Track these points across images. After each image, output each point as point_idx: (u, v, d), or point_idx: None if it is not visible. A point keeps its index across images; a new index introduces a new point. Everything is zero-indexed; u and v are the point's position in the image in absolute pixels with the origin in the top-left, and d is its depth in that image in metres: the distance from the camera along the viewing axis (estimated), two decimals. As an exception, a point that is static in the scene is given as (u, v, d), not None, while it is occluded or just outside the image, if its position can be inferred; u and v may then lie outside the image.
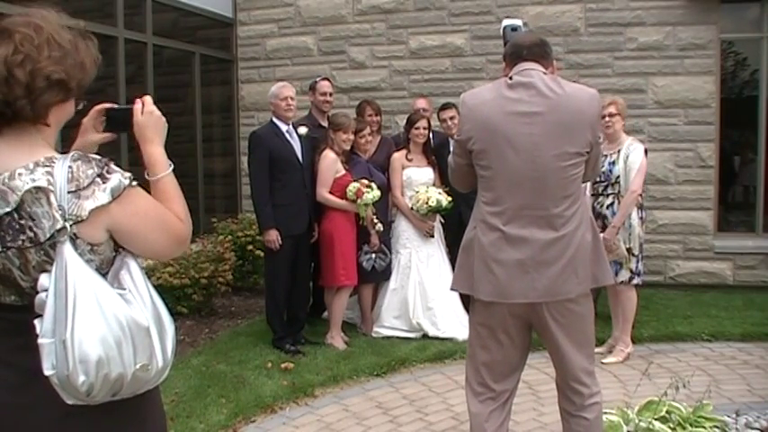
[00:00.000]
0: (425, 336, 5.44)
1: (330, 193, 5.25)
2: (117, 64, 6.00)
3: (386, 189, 5.53)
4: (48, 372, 1.36)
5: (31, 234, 1.41)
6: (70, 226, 1.41)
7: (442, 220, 5.75)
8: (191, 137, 7.24)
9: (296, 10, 7.71)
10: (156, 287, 1.54)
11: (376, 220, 5.31)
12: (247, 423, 3.92)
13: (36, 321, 1.39)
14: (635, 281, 4.94)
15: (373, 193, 5.19)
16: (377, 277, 5.56)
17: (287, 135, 5.19)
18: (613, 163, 4.88)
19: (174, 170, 1.63)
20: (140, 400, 1.51)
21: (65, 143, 1.67)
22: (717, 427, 3.43)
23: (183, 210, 1.60)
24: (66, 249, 1.40)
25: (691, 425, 3.40)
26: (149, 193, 1.59)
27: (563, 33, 6.96)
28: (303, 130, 5.30)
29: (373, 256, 5.43)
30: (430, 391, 4.43)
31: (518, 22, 2.95)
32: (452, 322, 5.45)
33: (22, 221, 1.42)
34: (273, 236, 5.04)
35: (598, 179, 4.84)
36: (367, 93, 7.25)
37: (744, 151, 7.46)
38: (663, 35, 6.87)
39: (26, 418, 1.46)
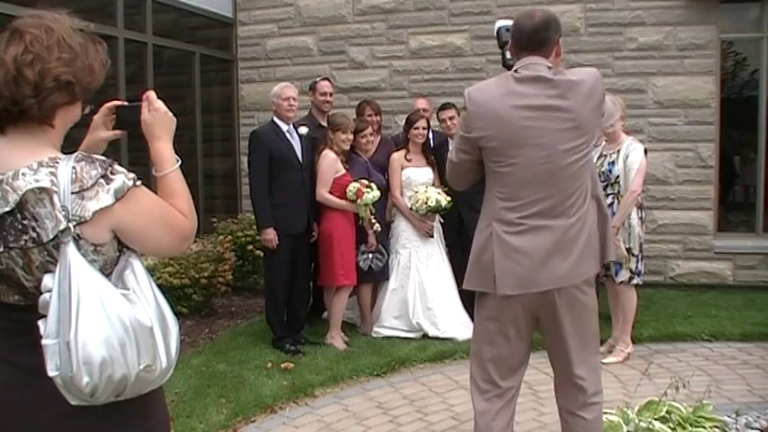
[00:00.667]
0: (425, 336, 5.44)
1: (330, 192, 5.25)
2: (117, 64, 5.99)
3: (385, 189, 5.53)
4: (51, 373, 1.37)
5: (34, 234, 1.42)
6: (74, 227, 1.42)
7: (442, 221, 5.75)
8: (191, 137, 7.24)
9: (296, 10, 7.71)
10: (157, 287, 1.54)
11: (374, 221, 5.31)
12: (247, 423, 3.92)
13: (40, 322, 1.39)
14: (635, 281, 4.94)
15: (373, 194, 5.19)
16: (375, 277, 5.56)
17: (287, 135, 5.19)
18: (613, 163, 4.88)
19: (180, 166, 1.64)
20: (144, 399, 1.51)
21: (71, 145, 1.67)
22: (717, 427, 3.43)
23: (187, 206, 1.61)
24: (70, 250, 1.40)
25: (691, 425, 3.40)
26: (155, 189, 1.60)
27: (563, 33, 6.92)
28: (304, 130, 5.31)
29: (370, 256, 5.43)
30: (430, 391, 4.43)
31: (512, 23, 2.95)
32: (452, 322, 5.46)
33: (25, 222, 1.42)
34: (271, 235, 5.05)
35: (598, 179, 4.83)
36: (367, 93, 7.26)
37: (744, 151, 7.46)
38: (663, 35, 6.88)
39: (30, 417, 1.47)
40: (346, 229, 5.32)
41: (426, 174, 5.73)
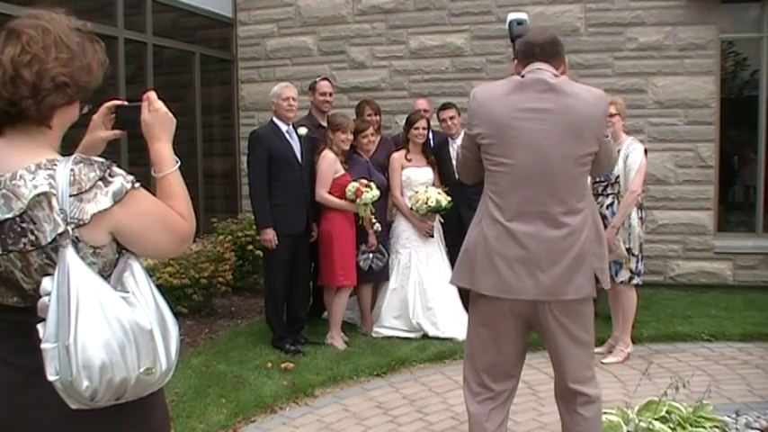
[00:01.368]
0: (425, 336, 5.44)
1: (329, 193, 5.25)
2: (117, 64, 5.99)
3: (385, 189, 5.53)
4: (51, 377, 1.36)
5: (33, 237, 1.41)
6: (72, 229, 1.41)
7: (442, 220, 5.75)
8: (191, 137, 7.24)
9: (296, 10, 7.71)
10: (157, 287, 1.54)
11: (374, 220, 5.31)
12: (247, 423, 3.92)
13: (39, 326, 1.38)
14: (635, 281, 4.94)
15: (372, 193, 5.19)
16: (375, 277, 5.56)
17: (287, 135, 5.19)
18: (613, 163, 4.89)
19: (179, 167, 1.63)
20: (144, 400, 1.50)
21: (69, 146, 1.67)
22: (717, 427, 3.43)
23: (186, 207, 1.60)
24: (69, 253, 1.40)
25: (691, 425, 3.40)
26: (154, 190, 1.59)
27: (563, 33, 6.94)
28: (303, 130, 5.31)
29: (370, 255, 5.43)
30: (430, 391, 4.43)
31: (523, 16, 2.99)
32: (452, 322, 5.45)
33: (24, 224, 1.41)
34: (270, 235, 5.05)
35: (598, 179, 4.84)
36: (367, 93, 7.25)
37: (744, 151, 7.45)
38: (663, 35, 6.87)
39: (30, 418, 1.47)
40: (346, 230, 5.32)
41: (426, 174, 5.73)
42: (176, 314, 5.25)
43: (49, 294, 1.39)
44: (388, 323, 5.57)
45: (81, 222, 1.42)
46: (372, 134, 5.62)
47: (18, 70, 1.42)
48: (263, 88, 7.22)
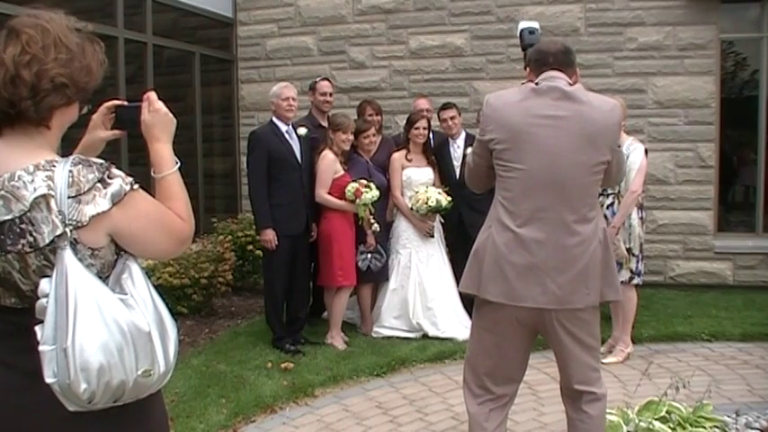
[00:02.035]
0: (425, 336, 5.43)
1: (329, 193, 5.25)
2: (117, 64, 5.99)
3: (385, 189, 5.53)
4: (49, 379, 1.36)
5: (31, 239, 1.41)
6: (70, 231, 1.40)
7: (442, 221, 5.75)
8: (191, 137, 7.24)
9: (296, 10, 7.71)
10: (156, 287, 1.53)
11: (372, 221, 5.30)
12: (247, 423, 3.92)
13: (37, 328, 1.38)
14: (635, 281, 4.95)
15: (372, 193, 5.19)
16: (374, 277, 5.56)
17: (286, 135, 5.19)
18: (613, 163, 4.88)
19: (179, 168, 1.63)
20: (142, 401, 1.50)
21: (69, 146, 1.66)
22: (717, 427, 3.43)
23: (185, 208, 1.59)
24: (67, 255, 1.39)
25: (691, 425, 3.40)
26: (154, 190, 1.59)
27: (563, 33, 6.95)
28: (303, 131, 5.30)
29: (369, 256, 5.43)
30: (430, 391, 4.43)
31: (535, 25, 2.99)
32: (452, 322, 5.46)
33: (23, 226, 1.41)
34: (270, 236, 5.05)
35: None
36: (367, 93, 7.25)
37: (744, 151, 7.45)
38: (663, 35, 6.87)
39: (28, 420, 1.46)
40: (345, 230, 5.32)
41: (427, 174, 5.73)
42: (176, 314, 5.25)
43: (47, 296, 1.38)
44: (388, 323, 5.57)
45: (79, 224, 1.41)
46: (374, 134, 5.62)
47: (18, 71, 1.42)
48: (263, 88, 7.22)
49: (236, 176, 7.89)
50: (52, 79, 1.44)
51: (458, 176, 5.56)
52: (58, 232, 1.40)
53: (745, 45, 7.17)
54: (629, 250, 4.87)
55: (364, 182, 5.24)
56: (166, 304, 1.51)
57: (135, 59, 6.39)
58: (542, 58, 2.69)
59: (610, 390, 4.12)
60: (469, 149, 3.29)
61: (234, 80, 7.96)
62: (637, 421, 3.37)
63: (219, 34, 7.84)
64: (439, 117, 5.89)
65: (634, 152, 4.85)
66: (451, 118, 5.75)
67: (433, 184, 5.70)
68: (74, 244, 1.41)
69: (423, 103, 6.32)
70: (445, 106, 5.87)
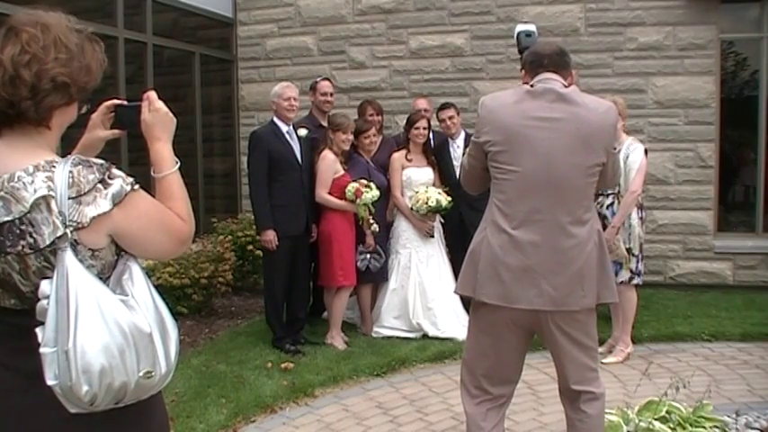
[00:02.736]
0: (425, 336, 5.44)
1: (329, 193, 5.25)
2: (117, 64, 5.99)
3: (385, 189, 5.53)
4: (50, 382, 1.35)
5: (31, 240, 1.40)
6: (71, 232, 1.40)
7: (442, 221, 5.75)
8: (191, 137, 7.24)
9: (296, 10, 7.71)
10: (156, 287, 1.53)
11: (372, 221, 5.30)
12: (247, 423, 3.92)
13: (38, 329, 1.37)
14: (635, 281, 4.95)
15: (372, 194, 5.19)
16: (374, 277, 5.56)
17: (287, 135, 5.19)
18: (613, 163, 4.88)
19: (179, 168, 1.62)
20: (143, 402, 1.50)
21: (68, 146, 1.66)
22: (717, 427, 3.43)
23: (185, 208, 1.59)
24: (68, 257, 1.38)
25: (691, 425, 3.40)
26: (154, 190, 1.58)
27: (563, 33, 6.96)
28: (303, 131, 5.30)
29: (368, 256, 5.43)
30: (430, 391, 4.43)
31: (532, 28, 3.00)
32: (452, 322, 5.46)
33: (23, 227, 1.40)
34: (270, 236, 5.04)
35: None
36: (367, 93, 7.25)
37: (744, 151, 7.45)
38: (663, 35, 6.87)
39: (29, 422, 1.46)
40: (345, 230, 5.32)
41: (427, 174, 5.73)
42: (176, 314, 5.25)
43: (47, 298, 1.37)
44: (388, 323, 5.57)
45: (80, 225, 1.41)
46: (374, 134, 5.62)
47: (18, 70, 1.41)
48: (263, 88, 7.22)
49: (236, 176, 7.89)
50: (53, 79, 1.43)
51: (458, 176, 5.54)
52: (59, 233, 1.39)
53: (745, 45, 7.17)
54: (628, 250, 4.87)
55: (364, 182, 5.24)
56: (167, 304, 1.51)
57: (135, 59, 6.39)
58: (537, 60, 2.69)
59: (610, 390, 4.13)
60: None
61: (234, 80, 7.95)
62: (637, 421, 3.37)
63: (219, 34, 7.84)
64: (438, 117, 5.89)
65: (634, 152, 4.85)
66: (450, 118, 5.75)
67: (433, 184, 5.70)
68: (74, 245, 1.41)
69: (422, 103, 6.32)
70: (443, 106, 5.87)
